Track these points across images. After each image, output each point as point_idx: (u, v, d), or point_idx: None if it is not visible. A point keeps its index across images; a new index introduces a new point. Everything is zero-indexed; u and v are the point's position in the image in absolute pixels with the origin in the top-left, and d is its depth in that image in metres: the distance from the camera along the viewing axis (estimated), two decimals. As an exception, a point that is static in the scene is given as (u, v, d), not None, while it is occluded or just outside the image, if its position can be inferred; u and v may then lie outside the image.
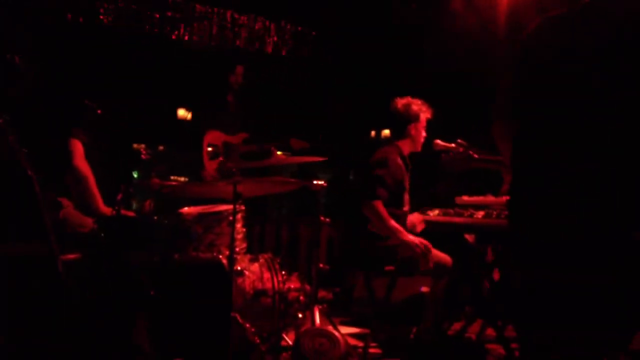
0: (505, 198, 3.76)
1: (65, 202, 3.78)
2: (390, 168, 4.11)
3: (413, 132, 4.28)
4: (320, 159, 3.89)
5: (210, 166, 5.13)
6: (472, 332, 4.47)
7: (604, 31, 1.98)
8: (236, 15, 7.75)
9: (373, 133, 8.72)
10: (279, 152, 3.94)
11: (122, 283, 3.00)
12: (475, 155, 3.67)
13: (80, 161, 3.73)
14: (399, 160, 4.19)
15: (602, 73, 1.95)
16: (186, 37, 7.35)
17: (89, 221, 3.73)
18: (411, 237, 3.98)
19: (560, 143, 1.97)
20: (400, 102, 4.30)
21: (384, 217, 3.99)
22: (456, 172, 3.72)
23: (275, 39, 7.86)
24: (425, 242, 3.96)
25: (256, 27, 7.89)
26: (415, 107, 4.27)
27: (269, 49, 7.95)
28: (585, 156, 1.93)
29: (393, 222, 3.99)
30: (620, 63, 1.93)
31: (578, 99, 1.97)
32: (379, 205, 4.00)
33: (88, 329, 2.55)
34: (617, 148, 1.90)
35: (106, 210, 3.76)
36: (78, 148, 3.75)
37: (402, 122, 4.28)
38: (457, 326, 4.48)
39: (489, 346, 4.33)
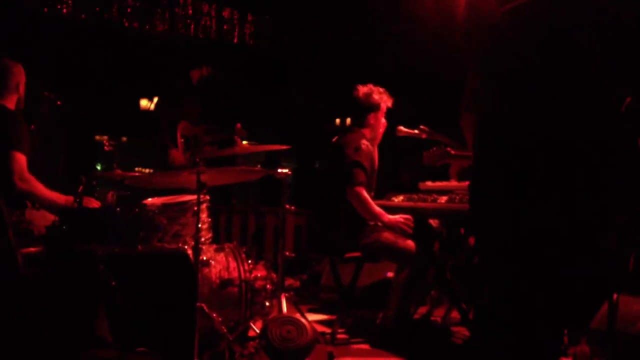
0: (467, 183, 3.81)
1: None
2: (364, 153, 4.15)
3: (372, 121, 4.32)
4: (284, 147, 3.89)
5: (184, 157, 5.12)
6: (438, 315, 4.54)
7: (567, 20, 2.00)
8: (199, 5, 7.68)
9: (338, 121, 8.75)
10: (244, 142, 3.94)
11: (83, 274, 2.97)
12: (452, 152, 3.74)
13: (21, 181, 3.56)
14: (369, 146, 4.23)
15: (564, 61, 1.97)
16: (147, 27, 7.25)
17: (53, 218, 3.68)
18: (393, 218, 4.07)
19: (520, 131, 1.99)
20: (362, 90, 4.32)
21: (368, 202, 4.08)
22: (415, 162, 3.80)
23: (239, 28, 7.81)
24: (406, 216, 4.08)
25: (219, 17, 7.82)
26: (376, 96, 4.30)
27: (234, 39, 7.90)
28: (545, 143, 1.95)
29: (376, 207, 4.09)
30: (583, 51, 1.96)
31: (539, 88, 1.99)
32: (363, 191, 4.08)
33: (49, 321, 2.52)
34: (577, 136, 1.93)
35: (67, 199, 3.66)
36: (19, 163, 3.56)
37: (363, 111, 4.31)
38: (422, 310, 4.54)
39: (454, 329, 4.40)
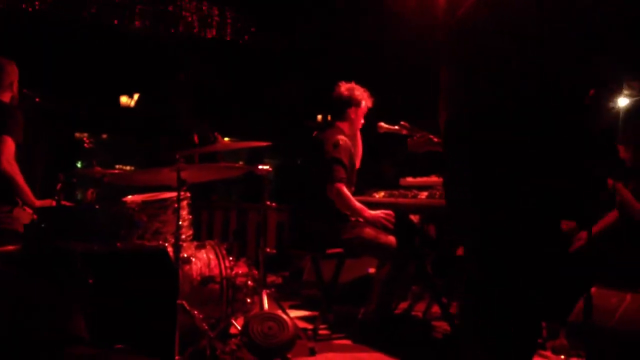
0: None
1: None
2: (342, 149, 4.16)
3: (352, 115, 4.34)
4: (265, 143, 3.89)
5: None
6: (419, 310, 4.57)
7: (540, 13, 2.01)
8: (180, 2, 7.64)
9: (320, 117, 8.75)
10: (225, 139, 3.93)
11: (60, 272, 2.95)
12: (435, 139, 3.77)
13: (8, 163, 3.59)
14: (347, 141, 4.24)
15: (536, 55, 1.98)
16: (125, 22, 7.20)
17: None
18: (374, 213, 4.10)
19: (491, 124, 2.01)
20: (344, 86, 4.36)
21: (349, 198, 4.11)
22: (396, 159, 3.84)
23: (220, 25, 7.78)
24: (387, 211, 4.11)
25: (200, 13, 7.79)
26: (357, 92, 4.33)
27: (216, 36, 7.88)
28: (516, 138, 1.97)
29: (357, 203, 4.11)
30: (554, 44, 1.97)
31: (509, 81, 2.00)
32: (343, 188, 4.10)
33: (25, 318, 2.51)
34: (547, 130, 1.95)
35: (37, 202, 3.68)
36: (8, 147, 3.62)
37: (343, 105, 4.34)
38: (404, 305, 4.57)
39: (435, 323, 4.43)
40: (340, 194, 4.09)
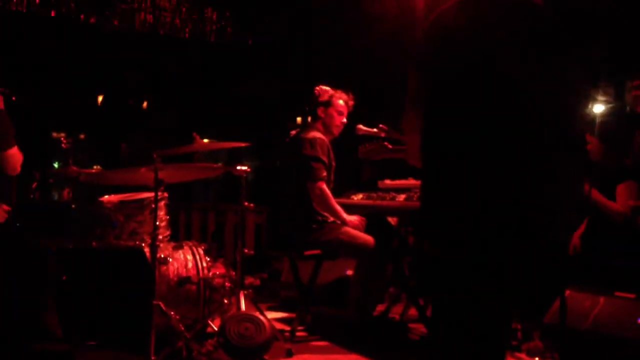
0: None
1: None
2: (320, 147, 4.17)
3: (322, 115, 4.34)
4: (244, 144, 3.89)
5: None
6: (396, 312, 4.59)
7: (517, 14, 2.03)
8: (158, 1, 7.60)
9: (300, 120, 8.75)
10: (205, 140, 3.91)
11: (32, 269, 2.92)
12: (390, 146, 3.79)
13: None
14: (324, 140, 4.25)
15: (514, 56, 2.00)
16: (104, 21, 7.15)
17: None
18: (350, 217, 4.15)
19: (468, 128, 2.02)
20: (317, 88, 4.38)
21: (329, 198, 4.13)
22: (375, 161, 3.86)
23: (200, 24, 7.76)
24: (362, 218, 4.17)
25: (179, 12, 7.76)
26: (329, 92, 4.34)
27: (194, 35, 7.85)
28: (493, 142, 1.98)
29: (336, 204, 4.14)
30: (533, 45, 1.99)
31: (486, 84, 2.01)
32: (324, 186, 4.12)
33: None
34: (524, 134, 1.96)
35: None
36: None
37: (314, 106, 4.36)
38: (381, 307, 4.58)
39: (412, 325, 4.45)
40: (323, 193, 4.10)
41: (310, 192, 4.11)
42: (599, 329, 3.24)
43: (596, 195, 3.79)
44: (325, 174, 4.16)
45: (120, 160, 6.71)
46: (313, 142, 4.18)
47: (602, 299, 3.35)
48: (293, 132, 4.45)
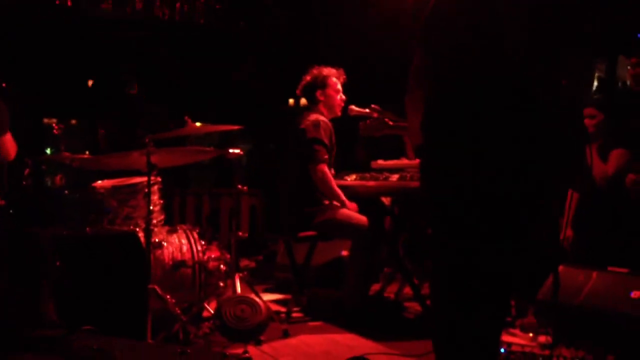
0: (418, 161, 3.86)
1: None
2: (323, 130, 4.18)
3: (321, 97, 4.35)
4: (236, 127, 3.88)
5: None
6: (391, 291, 4.62)
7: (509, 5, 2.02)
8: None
9: (292, 101, 8.73)
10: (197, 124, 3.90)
11: (26, 255, 2.92)
12: (390, 122, 3.77)
13: None
14: (327, 122, 4.26)
15: (520, 32, 2.00)
16: (94, 5, 7.08)
17: None
18: (349, 203, 4.17)
19: (466, 114, 2.02)
20: (312, 70, 4.37)
21: (330, 180, 4.15)
22: (374, 138, 3.85)
23: (186, 7, 7.68)
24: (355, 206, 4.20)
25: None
26: (324, 73, 4.35)
27: (184, 18, 7.78)
28: (490, 127, 1.99)
29: (336, 187, 4.16)
30: (523, 37, 1.99)
31: (482, 73, 2.01)
32: (325, 169, 4.14)
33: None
34: (521, 120, 1.97)
35: None
36: None
37: (311, 89, 4.36)
38: (376, 287, 4.60)
39: (407, 304, 4.48)
40: (325, 175, 4.12)
41: (312, 174, 4.12)
42: (592, 303, 3.26)
43: (590, 154, 3.88)
44: (327, 156, 4.17)
45: (98, 146, 6.67)
46: (317, 124, 4.19)
47: (595, 274, 3.37)
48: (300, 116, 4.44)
